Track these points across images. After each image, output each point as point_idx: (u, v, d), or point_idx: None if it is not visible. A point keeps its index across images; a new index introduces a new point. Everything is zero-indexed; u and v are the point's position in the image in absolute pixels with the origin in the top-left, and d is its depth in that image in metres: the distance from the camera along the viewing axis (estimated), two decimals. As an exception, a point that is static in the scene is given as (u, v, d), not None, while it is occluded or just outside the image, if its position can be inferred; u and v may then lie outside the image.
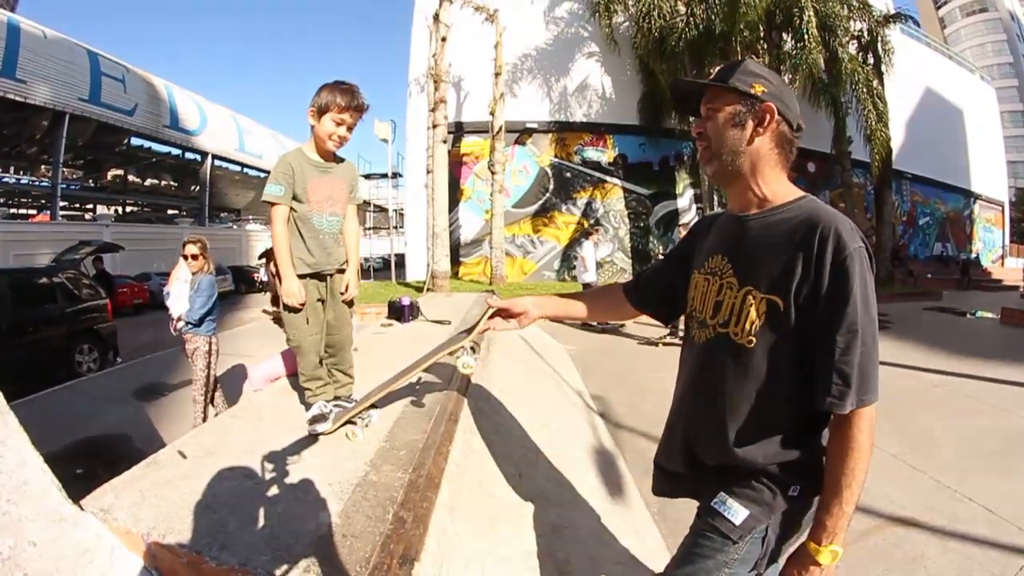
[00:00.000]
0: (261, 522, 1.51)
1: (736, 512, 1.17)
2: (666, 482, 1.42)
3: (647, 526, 2.82)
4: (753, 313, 1.13)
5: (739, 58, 1.27)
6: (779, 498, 1.16)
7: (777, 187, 1.19)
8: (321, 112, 2.18)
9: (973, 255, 28.39)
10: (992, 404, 5.21)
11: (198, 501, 1.62)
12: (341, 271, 2.38)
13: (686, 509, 3.26)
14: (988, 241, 31.54)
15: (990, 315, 11.81)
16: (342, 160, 2.40)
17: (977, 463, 3.80)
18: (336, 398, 2.42)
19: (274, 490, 1.71)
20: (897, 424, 4.42)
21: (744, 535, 1.16)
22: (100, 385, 6.53)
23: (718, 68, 1.23)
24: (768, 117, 1.16)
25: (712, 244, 1.29)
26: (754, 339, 1.13)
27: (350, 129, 2.25)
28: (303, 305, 2.22)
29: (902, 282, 19.26)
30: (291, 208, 2.21)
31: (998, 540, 2.80)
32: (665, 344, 7.99)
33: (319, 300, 2.33)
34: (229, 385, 4.74)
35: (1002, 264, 31.27)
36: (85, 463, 3.80)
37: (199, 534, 1.45)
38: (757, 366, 1.14)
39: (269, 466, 1.87)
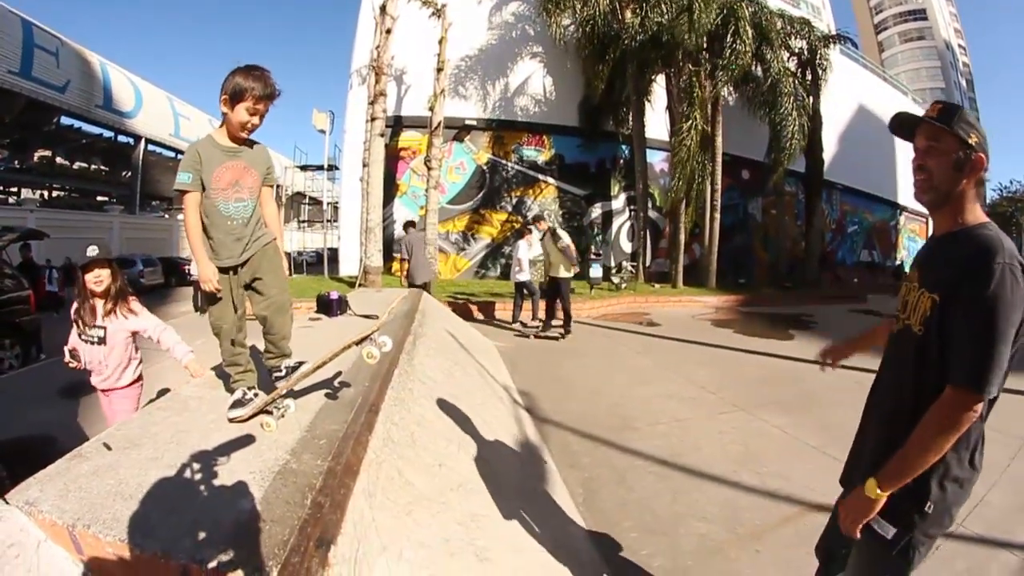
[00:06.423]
0: (183, 510, 1.57)
1: (886, 528, 1.41)
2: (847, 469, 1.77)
3: (572, 514, 2.92)
4: (923, 307, 1.40)
5: (952, 103, 1.44)
6: (920, 504, 1.39)
7: (968, 215, 1.41)
8: (235, 100, 2.16)
9: (898, 262, 30.32)
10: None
11: (122, 491, 1.66)
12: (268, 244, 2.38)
13: (610, 499, 3.38)
14: (912, 250, 33.60)
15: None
16: (254, 144, 2.36)
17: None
18: (270, 371, 2.49)
19: (196, 479, 1.77)
20: (817, 417, 4.67)
21: (895, 546, 1.40)
22: (22, 383, 6.21)
23: (939, 108, 1.43)
24: (979, 167, 1.39)
25: (914, 261, 1.60)
26: (922, 328, 1.40)
27: (263, 117, 2.24)
28: (219, 289, 2.25)
29: (829, 285, 20.71)
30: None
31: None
32: (538, 337, 8.45)
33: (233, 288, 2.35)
34: (157, 380, 4.59)
35: (923, 271, 33.39)
36: (6, 467, 3.65)
37: (123, 523, 1.49)
38: (922, 352, 1.39)
39: (192, 456, 1.92)
